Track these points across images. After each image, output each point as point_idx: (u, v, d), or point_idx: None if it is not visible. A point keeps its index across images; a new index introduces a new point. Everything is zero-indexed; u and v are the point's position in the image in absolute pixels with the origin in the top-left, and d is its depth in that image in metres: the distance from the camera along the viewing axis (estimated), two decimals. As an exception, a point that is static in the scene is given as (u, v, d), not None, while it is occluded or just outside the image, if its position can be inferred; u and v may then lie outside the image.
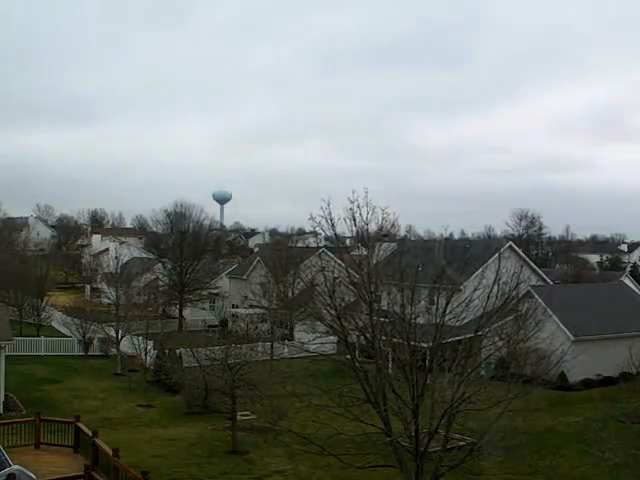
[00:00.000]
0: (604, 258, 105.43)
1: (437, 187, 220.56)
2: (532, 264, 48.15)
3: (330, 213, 15.94)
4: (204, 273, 62.71)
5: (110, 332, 42.99)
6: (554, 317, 37.15)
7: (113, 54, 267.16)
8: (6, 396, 28.83)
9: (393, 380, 15.41)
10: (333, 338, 26.59)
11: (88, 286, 75.62)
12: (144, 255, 77.02)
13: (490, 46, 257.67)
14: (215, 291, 63.91)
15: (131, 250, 79.35)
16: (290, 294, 50.77)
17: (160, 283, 63.08)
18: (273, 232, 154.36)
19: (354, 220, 16.05)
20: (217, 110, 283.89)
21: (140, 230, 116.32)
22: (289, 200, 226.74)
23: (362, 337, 16.81)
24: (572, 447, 24.72)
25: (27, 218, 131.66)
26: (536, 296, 37.61)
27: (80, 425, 20.89)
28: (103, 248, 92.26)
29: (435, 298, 16.68)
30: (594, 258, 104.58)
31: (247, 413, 26.95)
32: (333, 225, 16.22)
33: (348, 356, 16.32)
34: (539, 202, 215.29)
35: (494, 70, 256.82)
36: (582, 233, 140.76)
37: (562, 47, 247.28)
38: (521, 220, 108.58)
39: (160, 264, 65.45)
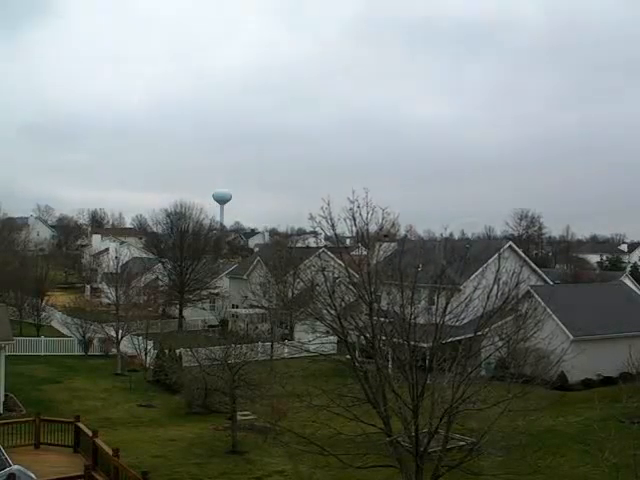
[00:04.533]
0: (604, 258, 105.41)
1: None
2: (532, 264, 48.13)
3: (330, 213, 15.96)
4: (204, 273, 62.76)
5: (110, 332, 43.02)
6: (554, 317, 37.16)
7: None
8: (6, 396, 28.84)
9: (393, 380, 15.40)
10: (333, 338, 26.63)
11: (88, 286, 75.69)
12: (144, 255, 77.04)
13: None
14: (215, 291, 63.94)
15: (131, 250, 79.35)
16: (290, 294, 50.75)
17: (160, 283, 63.12)
18: (273, 232, 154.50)
19: (354, 220, 16.04)
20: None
21: (140, 230, 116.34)
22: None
23: (362, 337, 16.81)
24: (572, 447, 24.73)
25: (27, 218, 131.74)
26: (536, 296, 37.63)
27: (80, 425, 20.89)
28: (103, 248, 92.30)
29: (435, 298, 16.68)
30: (594, 258, 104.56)
31: (247, 413, 26.95)
32: (333, 225, 16.22)
33: (348, 356, 16.32)
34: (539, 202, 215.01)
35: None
36: (582, 233, 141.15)
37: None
38: (521, 220, 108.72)
39: (160, 264, 65.47)
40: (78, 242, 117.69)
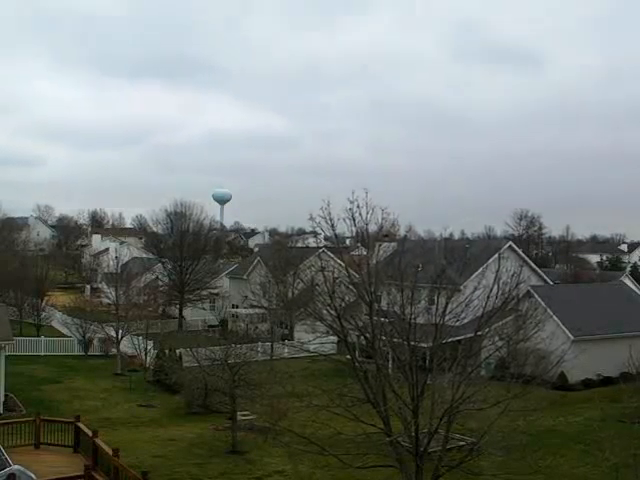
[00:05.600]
0: (604, 258, 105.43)
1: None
2: (532, 264, 48.13)
3: (330, 213, 15.96)
4: (204, 273, 62.74)
5: (110, 332, 43.02)
6: (554, 317, 37.17)
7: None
8: (6, 396, 28.84)
9: (393, 380, 15.41)
10: (333, 338, 26.65)
11: (88, 286, 75.67)
12: (144, 255, 76.99)
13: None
14: (215, 291, 63.92)
15: (131, 250, 79.37)
16: (290, 294, 50.77)
17: (160, 283, 63.09)
18: (273, 232, 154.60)
19: (354, 220, 16.05)
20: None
21: (140, 230, 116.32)
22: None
23: (362, 337, 16.81)
24: (572, 447, 24.73)
25: (27, 218, 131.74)
26: (536, 296, 37.70)
27: (80, 425, 20.88)
28: (103, 248, 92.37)
29: (435, 298, 16.68)
30: (594, 258, 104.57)
31: (247, 413, 26.94)
32: (333, 225, 16.22)
33: (348, 356, 16.32)
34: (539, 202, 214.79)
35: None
36: (582, 233, 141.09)
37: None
38: (521, 220, 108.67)
39: (160, 264, 65.45)
40: (78, 242, 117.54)
